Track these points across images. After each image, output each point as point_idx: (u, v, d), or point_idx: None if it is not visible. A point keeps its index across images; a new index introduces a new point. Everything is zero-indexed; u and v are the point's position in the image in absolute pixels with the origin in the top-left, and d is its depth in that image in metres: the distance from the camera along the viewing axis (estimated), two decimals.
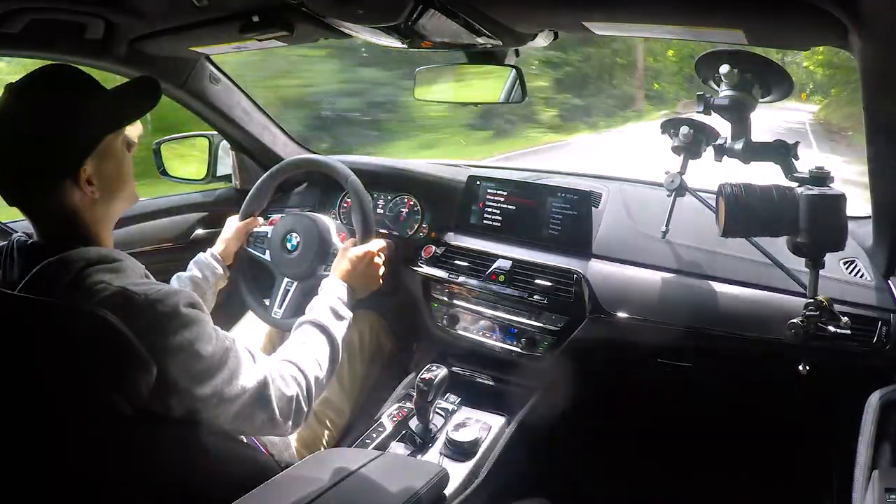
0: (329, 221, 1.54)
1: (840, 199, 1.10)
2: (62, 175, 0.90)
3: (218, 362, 0.92)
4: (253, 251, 1.57)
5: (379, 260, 1.38)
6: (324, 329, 1.16)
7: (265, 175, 1.60)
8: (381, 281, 1.39)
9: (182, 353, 0.87)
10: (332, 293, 1.25)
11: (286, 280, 1.52)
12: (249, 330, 1.61)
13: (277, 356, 1.08)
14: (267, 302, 1.56)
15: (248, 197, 1.59)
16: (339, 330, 1.19)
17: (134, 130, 1.01)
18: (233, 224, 1.55)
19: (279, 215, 1.63)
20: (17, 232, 1.00)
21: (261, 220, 1.60)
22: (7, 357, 0.81)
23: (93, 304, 0.82)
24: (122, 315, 0.82)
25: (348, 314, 1.24)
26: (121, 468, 0.83)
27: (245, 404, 0.94)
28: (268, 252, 1.55)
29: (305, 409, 1.04)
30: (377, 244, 1.40)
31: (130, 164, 1.00)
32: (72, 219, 0.92)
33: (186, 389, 0.88)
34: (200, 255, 1.45)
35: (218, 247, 1.49)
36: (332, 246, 1.49)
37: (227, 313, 1.69)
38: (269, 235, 1.56)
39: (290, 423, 1.01)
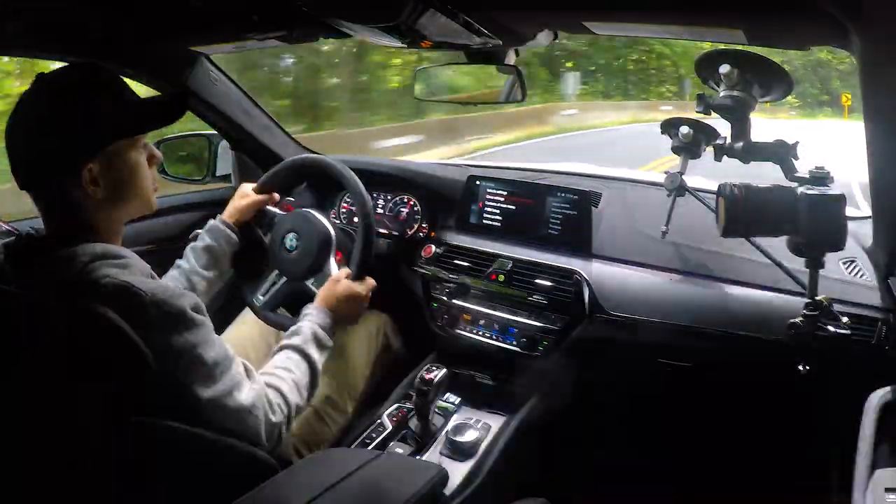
0: (329, 229, 1.51)
1: (840, 200, 1.10)
2: (62, 171, 0.90)
3: (220, 371, 0.93)
4: (258, 230, 1.52)
5: (365, 303, 1.37)
6: (308, 358, 1.17)
7: (290, 161, 1.52)
8: (358, 320, 1.39)
9: (184, 356, 0.88)
10: (318, 321, 1.24)
11: (276, 272, 1.51)
12: (247, 326, 1.61)
13: (266, 380, 1.08)
14: (252, 288, 1.53)
15: (268, 173, 1.51)
16: (321, 360, 1.21)
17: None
18: (246, 191, 1.49)
19: (292, 201, 1.58)
20: (20, 231, 1.01)
21: (277, 196, 1.53)
22: (8, 353, 0.81)
23: (97, 299, 0.83)
24: (126, 311, 0.82)
25: (330, 343, 1.24)
26: (120, 466, 0.83)
27: (238, 418, 0.95)
28: (269, 236, 1.52)
29: (285, 436, 1.06)
30: (368, 286, 1.37)
31: (146, 175, 1.00)
32: (75, 214, 0.92)
33: (184, 392, 0.88)
34: (212, 223, 1.42)
35: (228, 213, 1.45)
36: (327, 263, 1.45)
37: (227, 309, 1.69)
38: (276, 220, 1.51)
39: (270, 445, 1.03)
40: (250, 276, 1.55)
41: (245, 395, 0.97)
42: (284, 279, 1.49)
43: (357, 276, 1.37)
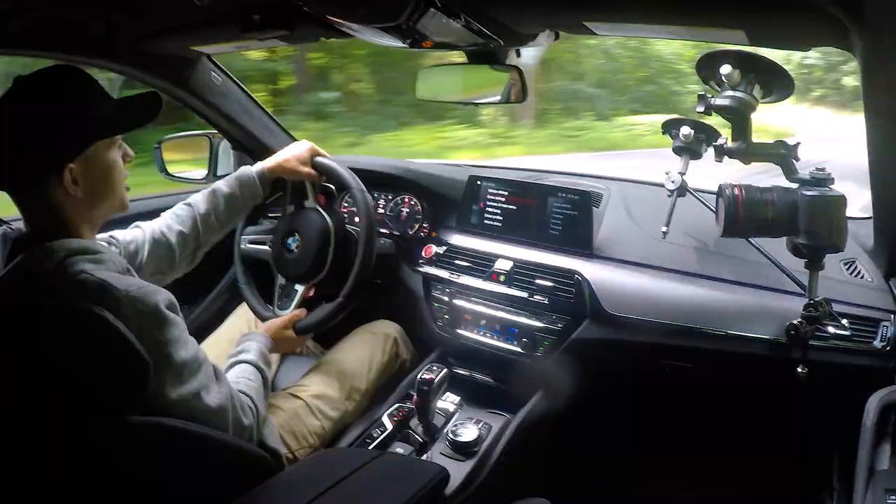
0: (331, 234, 1.49)
1: (840, 201, 1.10)
2: (44, 173, 0.91)
3: (188, 372, 0.94)
4: (288, 195, 1.53)
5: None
6: (262, 372, 1.21)
7: (345, 168, 1.46)
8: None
9: (155, 354, 0.88)
10: (265, 344, 1.30)
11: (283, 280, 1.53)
12: (241, 322, 1.62)
13: (235, 386, 1.09)
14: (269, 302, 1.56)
15: (334, 165, 1.45)
16: (269, 376, 1.25)
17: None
18: (304, 154, 1.43)
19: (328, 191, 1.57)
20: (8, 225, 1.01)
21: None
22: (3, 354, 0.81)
23: (74, 294, 0.84)
24: (102, 307, 0.83)
25: (270, 363, 1.30)
26: (120, 467, 0.83)
27: (204, 420, 0.96)
28: (272, 237, 1.55)
29: (255, 442, 1.07)
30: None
31: (121, 174, 1.01)
32: (54, 213, 0.94)
33: (154, 391, 0.88)
34: (245, 173, 1.38)
35: (274, 163, 1.41)
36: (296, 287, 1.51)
37: (225, 308, 1.70)
38: (284, 214, 1.53)
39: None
40: (262, 294, 1.58)
41: (213, 397, 0.97)
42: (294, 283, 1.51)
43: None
